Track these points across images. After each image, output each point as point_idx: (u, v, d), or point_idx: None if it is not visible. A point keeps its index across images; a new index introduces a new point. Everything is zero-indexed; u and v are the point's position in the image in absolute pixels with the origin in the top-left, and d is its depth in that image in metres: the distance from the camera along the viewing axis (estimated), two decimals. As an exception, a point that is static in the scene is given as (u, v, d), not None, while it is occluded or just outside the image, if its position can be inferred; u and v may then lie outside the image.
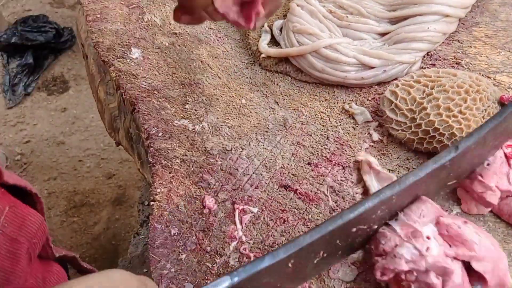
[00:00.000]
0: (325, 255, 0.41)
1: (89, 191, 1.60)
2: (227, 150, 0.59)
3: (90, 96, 1.83)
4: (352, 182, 0.55)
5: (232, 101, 0.64)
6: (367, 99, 0.63)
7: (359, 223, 0.41)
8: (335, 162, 0.57)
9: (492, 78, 0.60)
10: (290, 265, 0.37)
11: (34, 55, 1.97)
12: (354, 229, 0.41)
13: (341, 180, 0.55)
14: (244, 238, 0.51)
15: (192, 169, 0.57)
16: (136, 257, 0.95)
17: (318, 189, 0.54)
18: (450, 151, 0.42)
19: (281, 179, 0.56)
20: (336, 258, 0.45)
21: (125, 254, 1.15)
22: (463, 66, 0.63)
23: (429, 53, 0.65)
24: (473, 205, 0.50)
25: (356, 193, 0.54)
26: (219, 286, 0.34)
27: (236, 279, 0.35)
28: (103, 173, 1.65)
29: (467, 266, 0.42)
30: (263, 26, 0.71)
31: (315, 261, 0.41)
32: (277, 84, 0.66)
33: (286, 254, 0.36)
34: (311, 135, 0.60)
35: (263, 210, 0.54)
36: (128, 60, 0.68)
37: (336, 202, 0.53)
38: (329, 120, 0.61)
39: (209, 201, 0.54)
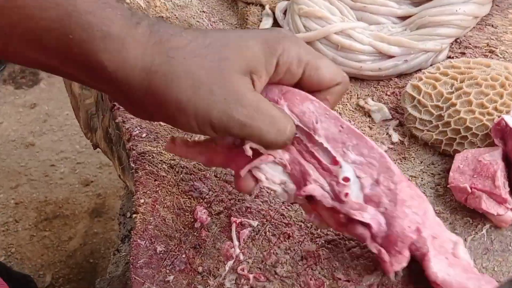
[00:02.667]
0: None
1: (63, 201, 1.60)
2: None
3: (64, 90, 1.82)
4: (369, 190, 0.55)
5: (228, 96, 0.64)
6: (386, 94, 0.62)
7: None
8: (348, 168, 0.56)
9: (531, 69, 0.60)
10: None
11: (-1, 43, 1.98)
12: None
13: (355, 188, 0.55)
14: (242, 257, 0.51)
15: (181, 175, 0.57)
16: (116, 277, 0.95)
17: (328, 199, 0.54)
18: None
19: (285, 188, 0.55)
20: None
21: (104, 274, 1.15)
22: (497, 55, 0.63)
23: (458, 40, 0.65)
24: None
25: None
26: None
27: None
28: (79, 180, 1.65)
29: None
30: (264, 8, 0.71)
31: None
32: (281, 77, 0.66)
33: None
34: (320, 136, 0.60)
35: (264, 223, 0.53)
36: (106, 49, 0.68)
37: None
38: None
39: (201, 213, 0.54)
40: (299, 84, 0.45)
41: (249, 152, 0.44)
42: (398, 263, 0.44)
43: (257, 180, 0.46)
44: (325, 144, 0.45)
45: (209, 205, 0.55)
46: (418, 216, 0.44)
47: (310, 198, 0.46)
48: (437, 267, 0.44)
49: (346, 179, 0.44)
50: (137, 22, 0.41)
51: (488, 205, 0.50)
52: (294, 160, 0.45)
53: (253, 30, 0.46)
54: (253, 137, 0.43)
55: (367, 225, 0.44)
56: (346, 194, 0.44)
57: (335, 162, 0.45)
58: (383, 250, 0.44)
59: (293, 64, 0.43)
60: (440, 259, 0.44)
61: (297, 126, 0.45)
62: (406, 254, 0.44)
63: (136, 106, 0.43)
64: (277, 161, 0.45)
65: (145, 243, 0.53)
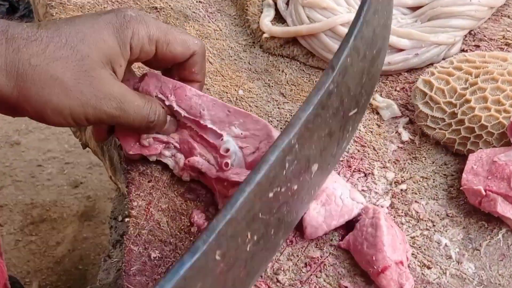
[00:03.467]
0: (255, 237, 0.42)
1: (50, 204, 1.60)
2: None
3: (51, 86, 1.82)
4: (377, 192, 0.54)
5: (227, 92, 0.64)
6: (395, 90, 0.62)
7: (272, 185, 0.42)
8: (355, 168, 0.56)
9: (550, 63, 0.60)
10: (218, 257, 0.38)
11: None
12: (271, 195, 0.42)
13: (362, 190, 0.55)
14: (241, 263, 0.51)
15: (176, 176, 0.57)
16: (107, 285, 0.95)
17: (334, 202, 0.54)
18: (327, 72, 0.44)
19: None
20: (273, 241, 0.46)
21: (95, 281, 1.15)
22: (514, 48, 0.63)
23: (472, 32, 0.65)
24: None
25: (382, 207, 0.53)
26: None
27: None
28: (68, 181, 1.65)
29: None
30: (265, -2, 0.71)
31: (247, 248, 0.41)
32: (283, 71, 0.66)
33: (206, 245, 0.37)
34: (325, 135, 0.59)
35: (265, 228, 0.53)
36: (97, 41, 0.68)
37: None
38: (347, 115, 0.61)
39: (198, 217, 0.54)
40: (158, 60, 0.53)
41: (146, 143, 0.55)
42: None
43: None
44: (210, 125, 0.54)
45: (206, 208, 0.55)
46: None
47: (201, 173, 0.54)
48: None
49: (226, 150, 0.53)
50: None
51: (503, 209, 0.50)
52: (183, 141, 0.55)
53: (100, 17, 0.49)
54: (124, 124, 0.51)
55: None
56: (226, 164, 0.52)
57: (219, 138, 0.54)
58: None
59: (145, 44, 0.50)
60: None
61: (185, 117, 0.54)
62: None
63: (11, 111, 0.48)
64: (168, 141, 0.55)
65: (138, 248, 0.53)
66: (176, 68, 0.55)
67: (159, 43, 0.51)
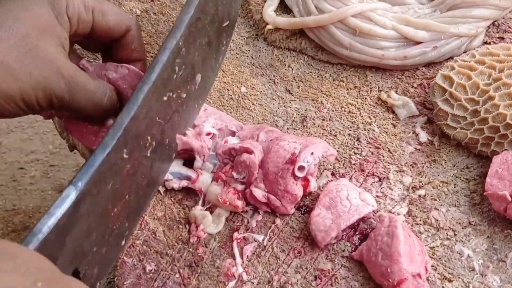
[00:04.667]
0: (154, 143, 0.50)
1: (34, 210, 1.60)
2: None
3: (34, 81, 1.83)
4: (392, 199, 0.55)
5: (228, 89, 0.64)
6: (412, 86, 0.62)
7: (166, 88, 0.50)
8: (368, 172, 0.57)
9: None
10: (125, 155, 0.46)
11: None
12: (165, 98, 0.51)
13: (377, 196, 0.55)
14: (245, 276, 0.51)
15: (174, 182, 0.57)
16: (97, 299, 0.96)
17: (346, 209, 0.54)
18: None
19: (296, 196, 0.55)
20: (167, 153, 0.54)
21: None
22: (542, 40, 0.63)
23: (496, 23, 0.65)
24: None
25: (399, 214, 0.53)
26: (66, 200, 0.41)
27: (80, 184, 0.42)
28: (53, 185, 1.65)
29: None
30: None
31: (148, 153, 0.50)
32: (289, 66, 0.66)
33: (114, 140, 0.45)
34: (335, 135, 0.60)
35: (271, 237, 0.53)
36: (86, 34, 0.68)
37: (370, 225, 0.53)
38: (360, 114, 0.61)
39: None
40: (95, 33, 0.54)
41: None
42: None
43: None
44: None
45: (206, 216, 0.55)
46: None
47: None
48: None
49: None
50: None
51: None
52: None
53: None
54: (75, 111, 0.52)
55: None
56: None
57: None
58: None
59: (81, 13, 0.52)
60: None
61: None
62: None
63: None
64: None
65: (132, 261, 0.53)
66: (115, 49, 0.57)
67: (95, 12, 0.53)
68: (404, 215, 0.54)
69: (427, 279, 0.49)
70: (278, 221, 0.54)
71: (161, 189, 0.57)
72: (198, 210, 0.54)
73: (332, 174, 0.57)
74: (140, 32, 0.58)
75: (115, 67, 0.56)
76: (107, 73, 0.56)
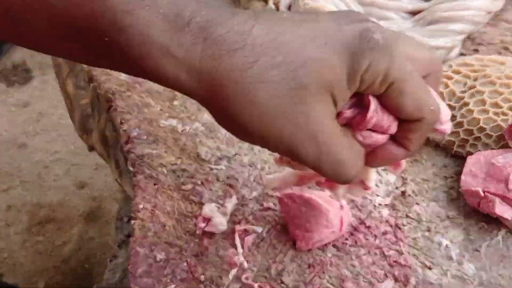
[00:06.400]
0: None
1: (57, 204, 1.60)
2: (224, 156, 0.58)
3: (58, 88, 1.82)
4: (378, 195, 0.54)
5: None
6: (395, 93, 0.62)
7: None
8: (356, 171, 0.56)
9: (548, 67, 0.60)
10: None
11: (-11, 40, 1.98)
12: None
13: (364, 192, 0.55)
14: (246, 265, 0.51)
15: (182, 179, 0.57)
16: (113, 285, 0.95)
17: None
18: None
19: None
20: None
21: (100, 280, 1.15)
22: (512, 52, 0.62)
23: (471, 36, 0.64)
24: None
25: (380, 205, 0.53)
26: None
27: None
28: (74, 182, 1.64)
29: None
30: (267, 3, 0.70)
31: None
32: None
33: None
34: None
35: (269, 229, 0.53)
36: (103, 47, 0.68)
37: (359, 219, 0.53)
38: (349, 118, 0.61)
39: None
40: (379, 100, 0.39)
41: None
42: None
43: None
44: None
45: (211, 210, 0.55)
46: None
47: None
48: None
49: None
50: (184, 24, 0.34)
51: (501, 210, 0.50)
52: None
53: (339, 31, 0.36)
54: (319, 172, 0.39)
55: None
56: None
57: None
58: None
59: (376, 82, 0.36)
60: None
61: None
62: None
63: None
64: None
65: (144, 250, 0.52)
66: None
67: (393, 86, 0.36)
68: (389, 209, 0.53)
69: (409, 267, 0.49)
70: (276, 217, 0.54)
71: (171, 186, 0.56)
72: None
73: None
74: (430, 127, 0.40)
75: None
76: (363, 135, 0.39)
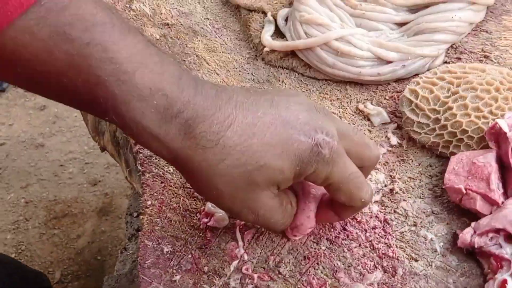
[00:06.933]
0: None
1: (72, 200, 1.60)
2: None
3: (72, 93, 1.82)
4: (368, 192, 0.54)
5: (232, 101, 0.64)
6: (384, 98, 0.62)
7: None
8: (348, 170, 0.56)
9: (525, 74, 0.60)
10: None
11: (9, 48, 1.97)
12: None
13: (355, 190, 0.55)
14: (246, 257, 0.51)
15: (187, 178, 0.57)
16: (123, 275, 0.95)
17: (329, 201, 0.54)
18: None
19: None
20: None
21: (112, 271, 1.15)
22: (492, 60, 0.62)
23: (454, 46, 0.64)
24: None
25: (373, 204, 0.53)
26: None
27: None
28: (88, 180, 1.64)
29: None
30: (266, 15, 0.71)
31: None
32: (283, 82, 0.66)
33: None
34: (321, 139, 0.59)
35: (267, 224, 0.53)
36: (114, 55, 0.68)
37: (354, 216, 0.53)
38: (341, 121, 0.61)
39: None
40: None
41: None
42: None
43: None
44: None
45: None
46: None
47: None
48: None
49: None
50: (172, 116, 0.39)
51: (482, 207, 0.50)
52: None
53: (292, 140, 0.41)
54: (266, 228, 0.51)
55: None
56: None
57: None
58: None
59: (317, 182, 0.43)
60: None
61: None
62: None
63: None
64: None
65: (152, 243, 0.53)
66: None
67: (330, 187, 0.44)
68: (378, 206, 0.53)
69: (397, 259, 0.49)
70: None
71: (177, 185, 0.57)
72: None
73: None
74: (363, 208, 0.49)
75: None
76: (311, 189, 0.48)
